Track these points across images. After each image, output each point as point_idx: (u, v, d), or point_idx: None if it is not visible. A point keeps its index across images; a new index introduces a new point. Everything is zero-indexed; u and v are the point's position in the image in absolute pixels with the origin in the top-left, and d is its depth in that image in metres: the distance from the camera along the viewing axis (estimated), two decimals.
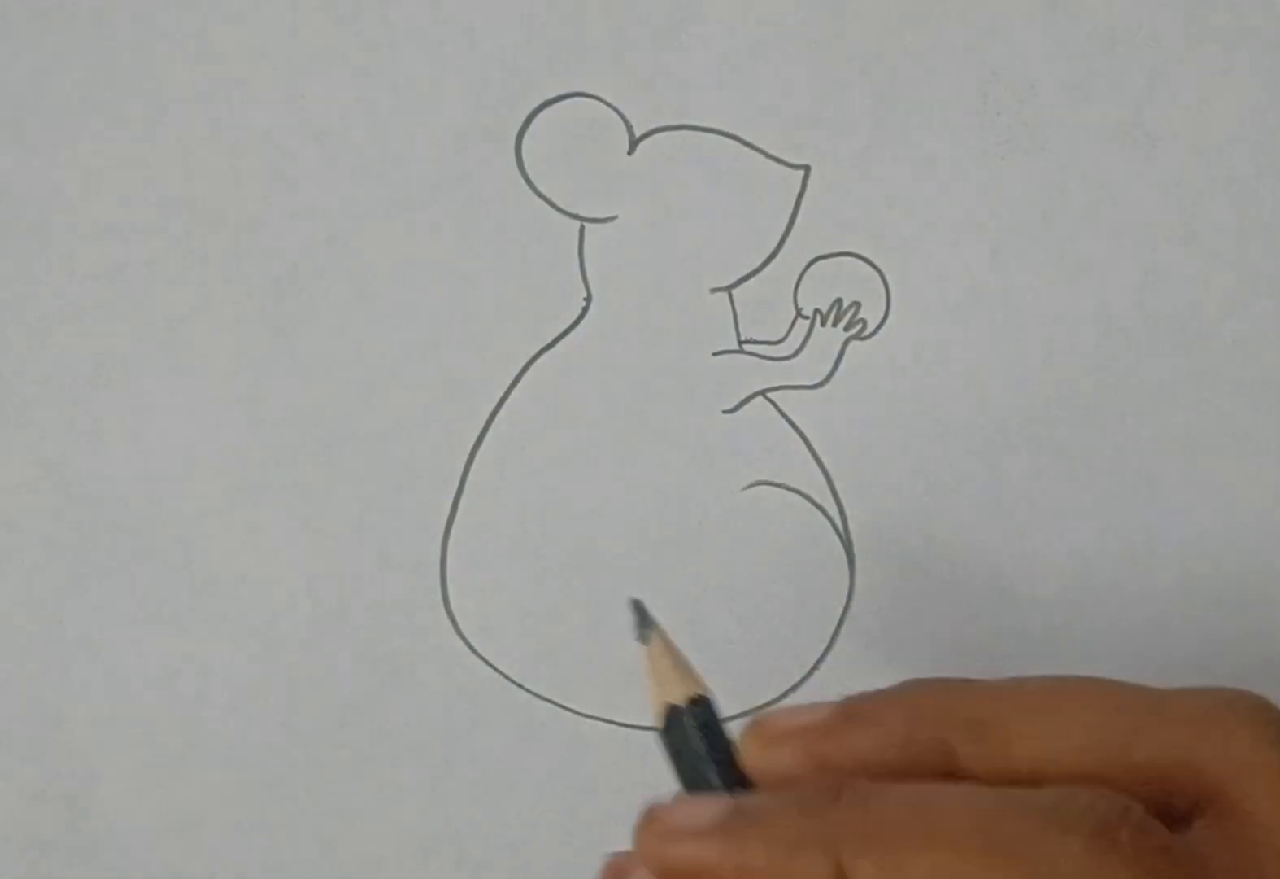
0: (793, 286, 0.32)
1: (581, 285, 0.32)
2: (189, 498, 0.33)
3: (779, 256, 0.32)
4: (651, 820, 0.24)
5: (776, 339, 0.32)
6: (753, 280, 0.32)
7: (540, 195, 0.32)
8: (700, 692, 0.26)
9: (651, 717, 0.27)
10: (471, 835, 0.35)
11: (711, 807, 0.23)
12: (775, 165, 0.32)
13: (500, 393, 0.32)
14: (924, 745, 0.23)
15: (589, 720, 0.34)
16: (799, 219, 0.32)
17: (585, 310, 0.32)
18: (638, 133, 0.31)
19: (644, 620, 0.27)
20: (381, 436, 0.32)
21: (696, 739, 0.25)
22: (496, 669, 0.34)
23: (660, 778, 0.34)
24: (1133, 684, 0.23)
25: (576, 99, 0.31)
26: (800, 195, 0.32)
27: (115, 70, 0.31)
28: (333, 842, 0.34)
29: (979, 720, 0.22)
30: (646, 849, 0.23)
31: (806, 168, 0.32)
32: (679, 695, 0.26)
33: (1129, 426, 0.33)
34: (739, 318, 0.32)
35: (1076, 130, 0.32)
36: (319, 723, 0.34)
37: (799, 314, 0.32)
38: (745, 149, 0.31)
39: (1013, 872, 0.19)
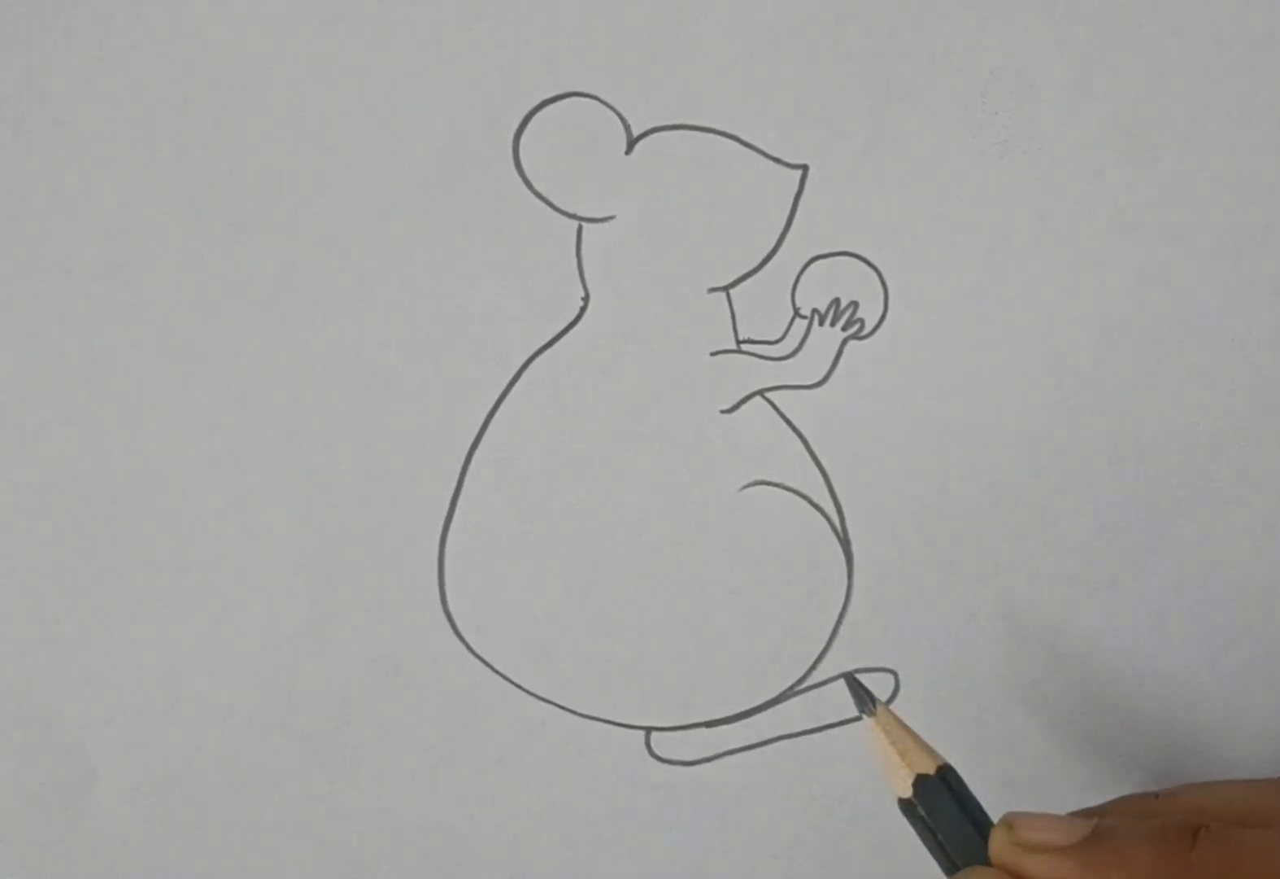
0: (791, 286, 0.32)
1: (579, 285, 0.32)
2: (188, 498, 0.33)
3: (777, 256, 0.32)
4: (1012, 830, 0.26)
5: (775, 339, 0.32)
6: (751, 280, 0.32)
7: (538, 195, 0.32)
8: (945, 761, 0.28)
9: (889, 786, 0.28)
10: (471, 835, 0.35)
11: (1071, 828, 0.25)
12: (773, 165, 0.32)
13: (498, 392, 0.32)
14: None
15: (587, 720, 0.34)
16: (797, 219, 0.32)
17: (583, 310, 0.32)
18: (635, 132, 0.31)
19: (864, 694, 0.29)
20: (380, 436, 0.32)
21: (952, 805, 0.27)
22: (495, 670, 0.34)
23: (659, 777, 0.34)
24: None
25: (574, 98, 0.31)
26: (798, 195, 0.32)
27: (115, 70, 0.31)
28: (331, 841, 0.34)
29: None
30: (1004, 857, 0.25)
31: (805, 167, 0.32)
32: (928, 765, 0.27)
33: (1129, 426, 0.33)
34: (737, 317, 0.32)
35: (1076, 130, 0.32)
36: (318, 723, 0.34)
37: (797, 313, 0.32)
38: (743, 149, 0.31)
39: None
